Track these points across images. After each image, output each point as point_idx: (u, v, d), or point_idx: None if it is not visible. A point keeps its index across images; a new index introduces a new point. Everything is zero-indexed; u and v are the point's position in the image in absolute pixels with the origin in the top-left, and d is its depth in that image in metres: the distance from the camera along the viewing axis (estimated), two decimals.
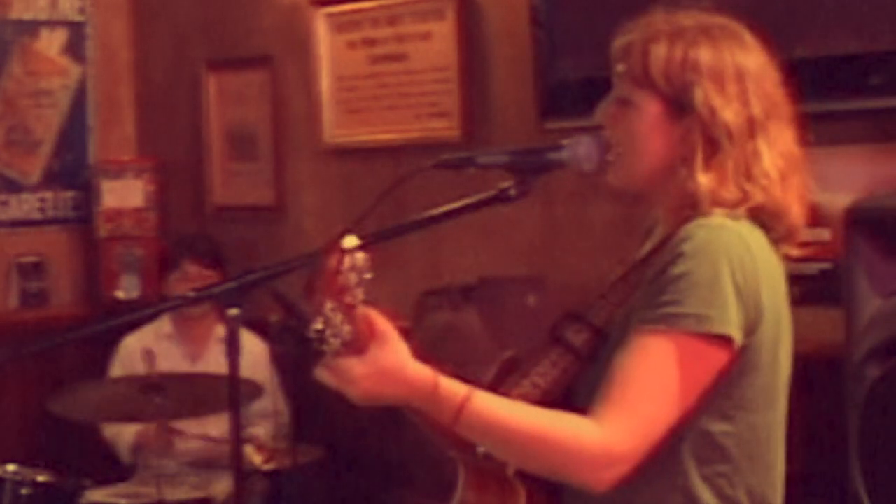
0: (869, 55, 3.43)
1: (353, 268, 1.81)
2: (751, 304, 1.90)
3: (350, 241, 1.84)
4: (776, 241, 1.99)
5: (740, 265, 1.89)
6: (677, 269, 1.88)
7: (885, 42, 3.40)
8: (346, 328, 1.82)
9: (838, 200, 2.96)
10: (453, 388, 1.87)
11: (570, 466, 1.87)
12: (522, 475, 2.02)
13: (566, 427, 1.86)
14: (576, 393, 1.97)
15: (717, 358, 1.89)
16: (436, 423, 1.96)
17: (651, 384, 1.86)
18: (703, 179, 1.94)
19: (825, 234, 3.22)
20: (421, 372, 1.87)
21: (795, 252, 2.03)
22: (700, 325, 1.86)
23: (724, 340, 1.88)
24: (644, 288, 1.94)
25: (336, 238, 1.84)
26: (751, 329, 1.91)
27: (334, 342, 1.82)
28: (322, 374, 1.87)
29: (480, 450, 2.01)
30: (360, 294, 1.82)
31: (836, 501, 2.90)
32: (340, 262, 1.81)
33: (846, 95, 3.43)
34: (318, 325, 1.81)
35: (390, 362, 1.85)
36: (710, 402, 1.91)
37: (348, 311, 1.81)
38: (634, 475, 1.87)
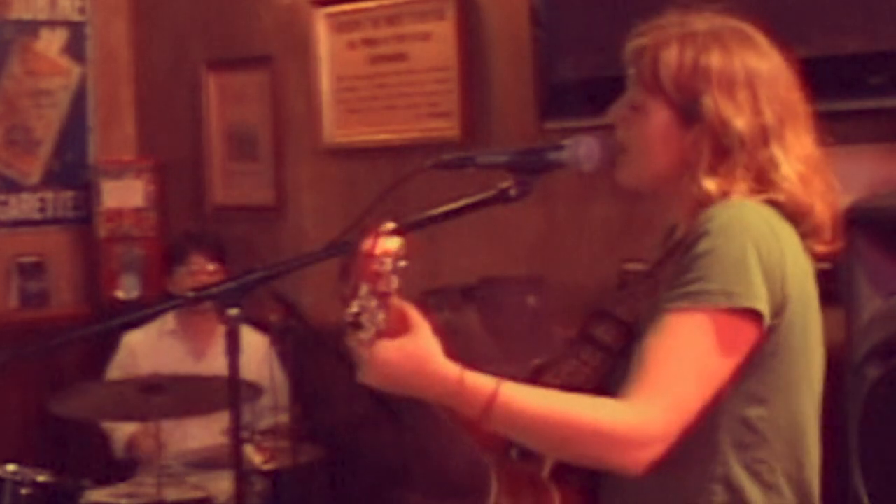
0: (870, 55, 3.43)
1: (387, 253, 1.80)
2: (777, 283, 1.90)
3: (387, 225, 1.84)
4: (804, 236, 2.00)
5: (765, 243, 1.89)
6: (702, 247, 1.88)
7: (886, 42, 3.40)
8: (381, 315, 1.81)
9: (840, 200, 2.95)
10: (481, 381, 1.86)
11: (605, 449, 1.85)
12: (557, 477, 2.01)
13: (598, 410, 1.85)
14: (609, 389, 1.95)
15: (746, 333, 1.89)
16: (469, 426, 1.96)
17: (681, 362, 1.86)
18: (709, 184, 1.95)
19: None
20: (448, 367, 1.87)
21: (822, 249, 2.03)
22: (727, 300, 1.86)
23: (752, 314, 1.87)
24: (671, 274, 1.94)
25: (374, 222, 1.84)
26: (778, 308, 1.91)
27: (369, 328, 1.81)
28: (350, 349, 1.86)
29: (513, 452, 2.01)
30: (394, 281, 1.81)
31: (836, 501, 2.90)
32: (375, 245, 1.80)
33: (847, 95, 3.43)
34: (355, 309, 1.80)
35: (419, 352, 1.85)
36: (744, 385, 1.91)
37: (382, 298, 1.81)
38: (673, 465, 1.86)
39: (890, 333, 2.82)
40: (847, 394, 2.88)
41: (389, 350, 1.84)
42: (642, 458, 1.84)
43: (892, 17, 3.39)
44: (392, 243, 1.82)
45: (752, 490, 1.94)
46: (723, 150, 1.96)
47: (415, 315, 1.87)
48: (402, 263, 1.82)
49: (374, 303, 1.80)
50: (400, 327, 1.85)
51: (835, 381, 2.88)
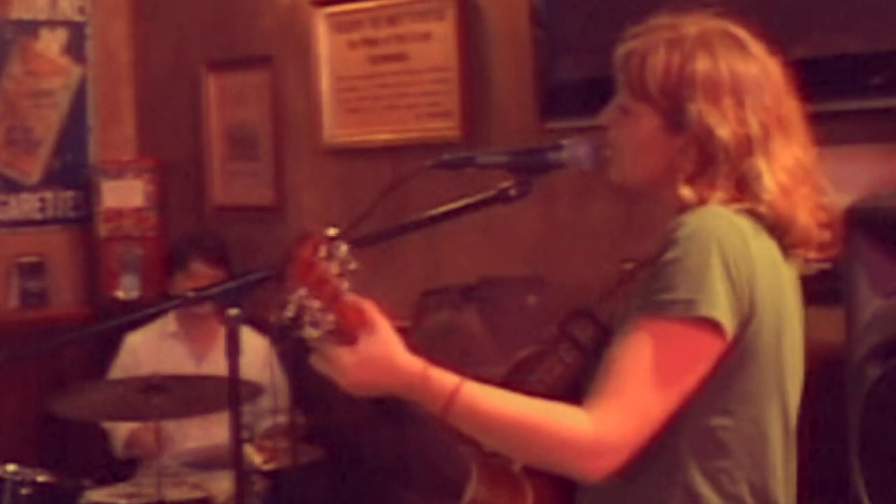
0: (870, 55, 3.43)
1: (331, 257, 1.82)
2: (744, 293, 1.89)
3: (328, 231, 1.84)
4: (789, 247, 1.99)
5: (733, 252, 1.88)
6: (668, 256, 1.88)
7: (885, 42, 3.40)
8: (329, 317, 1.83)
9: (839, 200, 2.95)
10: (443, 378, 1.88)
11: (561, 455, 1.86)
12: (529, 471, 2.02)
13: (556, 416, 1.86)
14: (581, 387, 1.96)
15: (708, 343, 1.88)
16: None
17: (640, 372, 1.85)
18: (685, 192, 1.95)
19: (825, 235, 3.21)
20: (410, 362, 1.89)
21: (812, 254, 2.02)
22: (687, 309, 1.85)
23: (713, 325, 1.86)
24: (641, 280, 1.94)
25: (311, 229, 1.85)
26: (745, 319, 1.90)
27: (314, 330, 1.83)
28: (316, 363, 1.89)
29: (486, 446, 2.02)
30: (343, 284, 1.82)
31: (836, 501, 2.90)
32: (315, 250, 1.81)
33: (846, 95, 3.43)
34: (289, 313, 1.82)
35: (379, 351, 1.87)
36: (708, 395, 1.91)
37: (331, 300, 1.82)
38: (635, 470, 1.87)
39: (890, 333, 2.81)
40: (847, 394, 2.88)
41: (349, 357, 1.86)
42: (598, 466, 1.85)
43: (892, 17, 3.39)
44: (337, 248, 1.82)
45: (711, 499, 1.93)
46: (707, 159, 1.95)
47: (373, 313, 1.87)
48: (352, 266, 1.83)
49: (316, 304, 1.81)
50: (357, 325, 1.86)
51: (835, 381, 2.89)
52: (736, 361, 1.91)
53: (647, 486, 1.94)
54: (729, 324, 1.87)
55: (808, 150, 2.02)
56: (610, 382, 1.86)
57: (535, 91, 4.26)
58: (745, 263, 1.89)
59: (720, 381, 1.91)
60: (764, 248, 1.95)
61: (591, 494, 1.99)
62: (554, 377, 2.02)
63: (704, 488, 1.93)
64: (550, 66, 4.20)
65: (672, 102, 1.96)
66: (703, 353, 1.88)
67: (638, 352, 1.86)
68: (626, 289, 2.05)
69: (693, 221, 1.90)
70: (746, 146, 1.95)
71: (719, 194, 1.94)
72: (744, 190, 1.95)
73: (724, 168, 1.94)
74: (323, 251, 1.82)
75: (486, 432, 1.91)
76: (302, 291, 1.81)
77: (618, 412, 1.84)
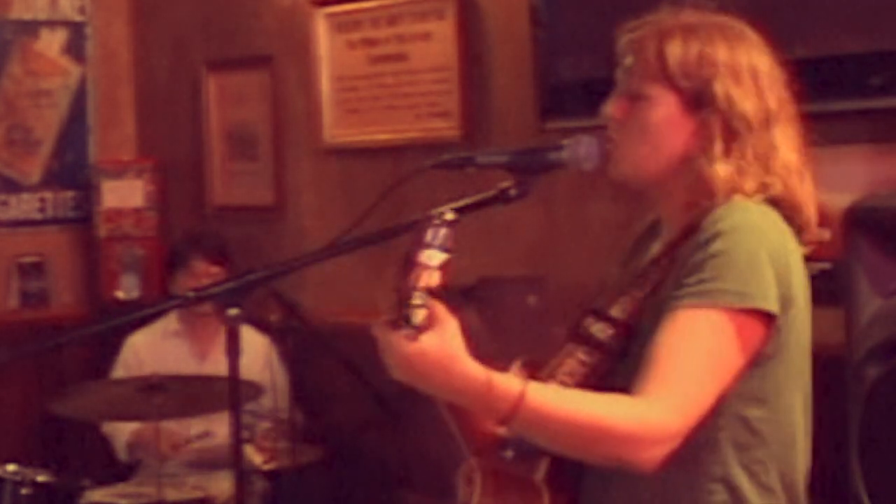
0: (869, 55, 3.43)
1: (444, 247, 1.77)
2: (784, 284, 1.92)
3: (447, 215, 1.79)
4: (796, 232, 2.01)
5: (774, 245, 1.92)
6: (714, 248, 1.89)
7: (885, 42, 3.40)
8: (423, 312, 1.76)
9: (838, 200, 2.96)
10: (507, 383, 1.83)
11: (625, 448, 1.84)
12: (549, 480, 2.00)
13: (621, 409, 1.85)
14: (607, 389, 1.93)
15: (758, 333, 1.90)
16: (465, 426, 1.94)
17: (694, 359, 1.86)
18: (721, 169, 1.96)
19: (825, 234, 3.21)
20: (473, 367, 1.82)
21: (805, 250, 2.03)
22: (741, 300, 1.87)
23: (764, 316, 1.89)
24: (676, 273, 1.94)
25: (436, 212, 1.80)
26: (784, 309, 1.92)
27: (415, 320, 1.75)
28: (378, 330, 1.82)
29: (508, 453, 2.00)
30: (438, 277, 1.77)
31: (836, 501, 2.90)
32: (436, 237, 1.76)
33: (846, 95, 3.43)
34: (417, 301, 1.74)
35: (443, 350, 1.80)
36: (745, 385, 1.92)
37: (429, 293, 1.76)
38: (673, 464, 1.86)
39: (890, 333, 2.81)
40: (847, 394, 2.88)
41: (421, 344, 1.79)
42: (658, 455, 1.84)
43: (892, 17, 3.39)
44: (444, 237, 1.77)
45: (749, 490, 1.95)
46: (732, 134, 1.97)
47: (442, 311, 1.81)
48: (445, 259, 1.78)
49: (425, 297, 1.75)
50: (428, 323, 1.80)
51: (835, 381, 2.88)
52: (772, 351, 1.94)
53: (685, 480, 1.93)
54: (777, 315, 1.90)
55: (808, 145, 2.05)
56: (664, 370, 1.85)
57: (535, 91, 4.26)
58: (783, 256, 1.93)
59: (757, 370, 1.93)
60: (791, 238, 1.98)
61: (619, 491, 1.97)
62: (577, 380, 1.99)
63: (743, 480, 1.95)
64: (550, 66, 4.19)
65: (693, 83, 1.98)
66: (752, 343, 1.90)
67: (690, 339, 1.87)
68: (645, 288, 2.02)
69: (733, 215, 1.92)
70: (766, 121, 1.98)
71: (749, 182, 1.96)
72: (765, 167, 1.97)
73: (751, 140, 1.97)
74: (443, 236, 1.76)
75: (549, 435, 1.88)
76: (423, 280, 1.74)
77: (676, 399, 1.84)
